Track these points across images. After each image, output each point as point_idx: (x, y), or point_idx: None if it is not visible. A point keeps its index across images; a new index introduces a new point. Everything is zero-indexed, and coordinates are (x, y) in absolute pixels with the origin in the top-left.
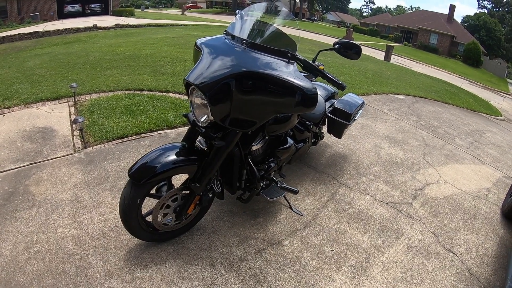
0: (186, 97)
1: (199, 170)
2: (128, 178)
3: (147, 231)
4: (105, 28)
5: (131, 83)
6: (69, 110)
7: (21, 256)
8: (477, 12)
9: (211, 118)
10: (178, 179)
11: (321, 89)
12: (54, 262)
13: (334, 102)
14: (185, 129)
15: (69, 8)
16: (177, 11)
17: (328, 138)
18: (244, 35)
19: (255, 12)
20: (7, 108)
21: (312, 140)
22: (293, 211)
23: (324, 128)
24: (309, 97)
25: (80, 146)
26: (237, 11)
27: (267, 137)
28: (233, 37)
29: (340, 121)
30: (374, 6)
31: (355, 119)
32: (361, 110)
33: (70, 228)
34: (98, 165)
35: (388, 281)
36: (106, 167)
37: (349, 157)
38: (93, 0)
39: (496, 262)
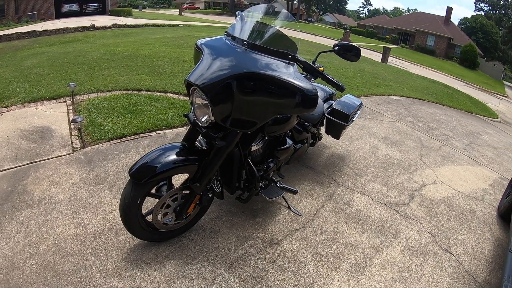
0: (185, 98)
1: (199, 170)
2: (129, 178)
3: (147, 230)
4: (102, 28)
5: (129, 83)
6: (67, 109)
7: (20, 255)
8: (474, 14)
9: (212, 118)
10: (177, 179)
11: (320, 90)
12: (53, 262)
13: (332, 103)
14: (183, 129)
15: (66, 7)
16: (174, 12)
17: (326, 139)
18: (245, 36)
19: (256, 14)
20: (5, 107)
21: (311, 141)
22: (292, 211)
23: (322, 129)
24: (310, 98)
25: (79, 146)
26: (237, 13)
27: (266, 138)
28: (234, 38)
29: (338, 122)
30: (372, 8)
31: (353, 120)
32: (359, 112)
33: (69, 227)
34: (97, 165)
35: (386, 281)
36: (104, 166)
37: (347, 158)
38: (91, 0)
39: (493, 262)
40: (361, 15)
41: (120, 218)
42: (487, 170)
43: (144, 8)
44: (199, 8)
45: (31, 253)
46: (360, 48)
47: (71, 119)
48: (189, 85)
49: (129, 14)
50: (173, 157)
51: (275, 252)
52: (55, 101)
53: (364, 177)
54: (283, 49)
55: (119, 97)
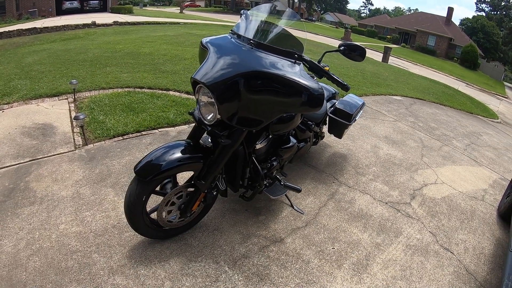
0: (186, 96)
1: (204, 167)
2: (133, 175)
3: (151, 228)
4: (103, 25)
5: (131, 81)
6: (69, 106)
7: (23, 253)
8: (475, 15)
9: (218, 116)
10: (181, 177)
11: (323, 89)
12: (56, 259)
13: (335, 103)
14: (185, 127)
15: (67, 4)
16: (175, 9)
17: (328, 138)
18: (251, 35)
19: (261, 13)
20: (6, 104)
21: (313, 140)
22: (295, 210)
23: (325, 128)
24: (316, 98)
25: (81, 143)
26: (242, 11)
27: (270, 136)
28: (239, 36)
29: (341, 121)
30: (372, 7)
31: (355, 120)
32: (361, 111)
33: (73, 225)
34: (99, 162)
35: (388, 279)
36: (107, 164)
37: (349, 157)
38: None
39: (493, 262)
40: (362, 15)
41: (124, 216)
42: (487, 171)
43: (145, 5)
44: (199, 6)
45: (34, 250)
46: (365, 48)
47: (73, 116)
48: (195, 83)
49: (130, 12)
50: (178, 155)
51: (278, 250)
52: (56, 98)
53: (365, 176)
54: (289, 48)
55: (121, 95)
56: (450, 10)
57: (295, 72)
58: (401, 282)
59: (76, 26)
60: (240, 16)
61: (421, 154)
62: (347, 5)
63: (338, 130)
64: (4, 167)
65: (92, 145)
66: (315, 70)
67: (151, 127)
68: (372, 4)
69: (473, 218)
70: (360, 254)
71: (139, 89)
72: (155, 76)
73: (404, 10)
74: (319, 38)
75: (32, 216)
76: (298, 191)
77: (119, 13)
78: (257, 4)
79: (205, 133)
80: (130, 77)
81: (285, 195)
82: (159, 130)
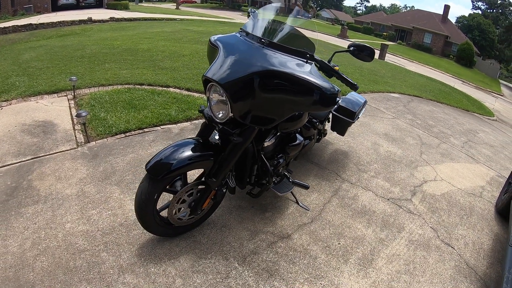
0: (187, 93)
1: (215, 165)
2: (142, 173)
3: (161, 225)
4: (100, 21)
5: (131, 77)
6: (69, 103)
7: (29, 252)
8: (471, 12)
9: (230, 114)
10: (190, 174)
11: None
12: (64, 259)
13: (338, 101)
14: (188, 124)
15: (63, 0)
16: (171, 5)
17: (329, 135)
18: (261, 34)
19: (270, 12)
20: (5, 101)
21: (317, 137)
22: (300, 206)
23: (327, 126)
24: (329, 97)
25: (83, 141)
26: (250, 10)
27: (278, 134)
28: (248, 34)
29: (345, 119)
30: (369, 4)
31: (358, 117)
32: (363, 109)
33: (79, 223)
34: (103, 160)
35: (392, 273)
36: (111, 161)
37: (350, 154)
38: None
39: (492, 256)
40: (358, 11)
41: (131, 214)
42: (485, 168)
43: (140, 1)
44: (195, 2)
45: (41, 250)
46: (374, 50)
47: (75, 113)
48: (206, 81)
49: (126, 8)
50: (189, 153)
51: (286, 246)
52: (55, 95)
53: (367, 173)
54: (301, 48)
55: (121, 91)
56: (447, 8)
57: (309, 72)
58: (405, 276)
59: (72, 22)
60: (248, 16)
61: (420, 151)
62: (343, 2)
63: (341, 127)
64: (5, 166)
65: (94, 142)
66: (326, 69)
67: (153, 124)
68: (368, 1)
69: (472, 214)
70: (365, 249)
71: (139, 86)
72: (155, 73)
73: (400, 7)
74: (315, 35)
75: (37, 215)
76: (306, 187)
77: (115, 9)
78: (269, 4)
79: (217, 131)
80: (130, 73)
81: (291, 192)
82: (161, 127)
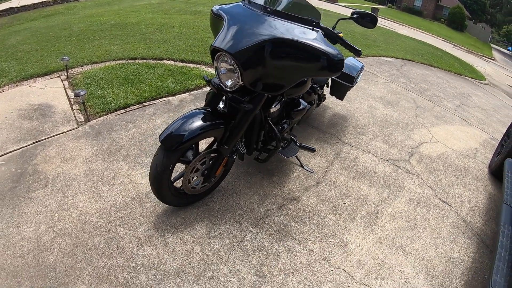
0: (182, 64)
1: (226, 132)
2: (159, 146)
3: (176, 196)
4: None
5: (123, 53)
6: (63, 84)
7: (45, 236)
8: None
9: (241, 82)
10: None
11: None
12: (82, 238)
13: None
14: (186, 95)
15: None
16: None
17: (326, 100)
18: (265, 3)
19: None
20: None
21: (317, 102)
22: (305, 169)
23: (326, 91)
24: (337, 63)
25: (83, 120)
26: None
27: (283, 99)
28: (250, 2)
29: (344, 83)
30: None
31: (357, 82)
32: (361, 73)
33: (91, 201)
34: (106, 137)
35: (396, 229)
36: (114, 138)
37: (348, 118)
38: None
39: (487, 214)
40: None
41: (149, 187)
42: (478, 131)
43: None
44: None
45: (57, 232)
46: (376, 16)
47: (74, 92)
48: (214, 51)
49: None
50: (200, 122)
51: (295, 207)
52: (48, 77)
53: (366, 136)
54: (306, 16)
55: (115, 67)
56: None
57: (316, 39)
58: (408, 232)
59: (55, 2)
60: None
61: (415, 114)
62: None
63: (340, 92)
64: (7, 153)
65: (95, 120)
66: (331, 36)
67: (152, 97)
68: None
69: (467, 175)
70: (369, 208)
71: (132, 61)
72: (147, 46)
73: None
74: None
75: (48, 199)
76: (313, 150)
77: None
78: None
79: (227, 99)
80: (121, 49)
81: (295, 156)
82: (160, 100)
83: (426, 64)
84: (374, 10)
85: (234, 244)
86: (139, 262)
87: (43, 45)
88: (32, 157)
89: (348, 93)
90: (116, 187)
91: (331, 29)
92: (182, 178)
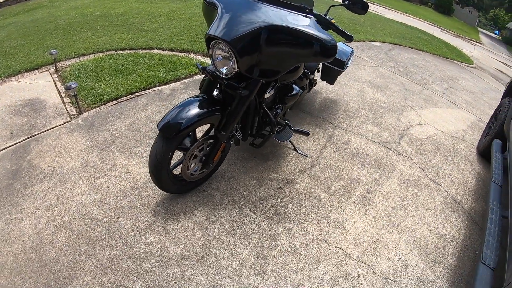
0: (171, 53)
1: (223, 119)
2: (157, 134)
3: (175, 183)
4: None
5: (111, 44)
6: (52, 78)
7: (46, 231)
8: None
9: (237, 69)
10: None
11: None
12: (83, 230)
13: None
14: (178, 84)
15: None
16: None
17: (317, 85)
18: None
19: None
20: None
21: (308, 87)
22: (299, 153)
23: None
24: (330, 48)
25: (75, 113)
26: None
27: (277, 85)
28: None
29: (335, 68)
30: None
31: (347, 66)
32: (351, 58)
33: (90, 193)
34: (100, 129)
35: (389, 209)
36: (109, 129)
37: (339, 102)
38: None
39: (476, 193)
40: None
41: (148, 175)
42: (466, 113)
43: None
44: None
45: (57, 226)
46: (367, 3)
47: (65, 85)
48: (209, 39)
49: None
50: (197, 109)
51: (291, 190)
52: (36, 71)
53: (357, 119)
54: (299, 3)
55: (104, 59)
56: None
57: (309, 25)
58: (401, 211)
59: None
60: None
61: (404, 97)
62: None
63: (331, 77)
64: (0, 150)
65: (87, 113)
66: (323, 22)
67: (143, 87)
68: None
69: (456, 155)
70: (363, 189)
71: (121, 51)
72: (135, 36)
73: None
74: None
75: (46, 193)
76: (307, 134)
77: None
78: None
79: (223, 86)
80: (109, 40)
81: (289, 140)
82: (152, 89)
83: (414, 48)
84: None
85: (234, 228)
86: (142, 250)
87: (29, 39)
88: (27, 152)
89: (338, 78)
90: (114, 177)
91: (323, 15)
92: (180, 166)
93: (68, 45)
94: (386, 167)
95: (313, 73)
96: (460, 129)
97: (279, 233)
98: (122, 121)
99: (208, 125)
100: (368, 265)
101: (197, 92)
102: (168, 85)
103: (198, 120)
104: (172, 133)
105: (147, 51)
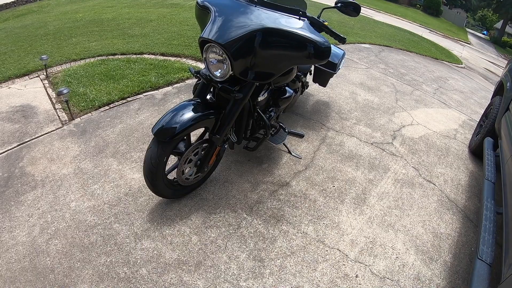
0: (162, 57)
1: (217, 122)
2: (152, 139)
3: (170, 188)
4: None
5: (101, 49)
6: (43, 84)
7: (40, 239)
8: None
9: (231, 72)
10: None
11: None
12: (78, 237)
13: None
14: (170, 89)
15: None
16: None
17: (309, 87)
18: None
19: None
20: None
21: (301, 89)
22: (293, 156)
23: (308, 78)
24: (324, 50)
25: (67, 119)
26: None
27: (270, 88)
28: None
29: (327, 70)
30: None
31: (339, 69)
32: (343, 60)
33: (84, 200)
34: (93, 134)
35: (384, 209)
36: (101, 135)
37: (331, 104)
38: None
39: (469, 191)
40: None
41: (143, 181)
42: (456, 112)
43: None
44: None
45: (51, 234)
46: (360, 5)
47: (57, 91)
48: (203, 42)
49: None
50: (191, 113)
51: (286, 192)
52: (27, 77)
53: (349, 121)
54: (292, 6)
55: (95, 64)
56: None
57: (303, 28)
58: (396, 210)
59: (27, 1)
60: None
61: (395, 98)
62: None
63: (323, 79)
64: None
65: (79, 118)
66: (316, 25)
67: (135, 92)
68: None
69: (448, 154)
70: (358, 190)
71: (112, 56)
72: (125, 41)
73: None
74: None
75: (38, 201)
76: (301, 136)
77: None
78: None
79: (217, 89)
80: (100, 45)
81: (283, 143)
82: (144, 94)
83: (404, 50)
84: None
85: (231, 231)
86: (138, 257)
87: (19, 45)
88: (18, 159)
89: (330, 80)
90: (108, 183)
91: (316, 18)
92: (175, 170)
93: (59, 51)
94: (380, 167)
95: (305, 75)
96: (451, 129)
97: (276, 236)
98: (115, 127)
99: (203, 129)
100: (366, 265)
101: (189, 96)
102: (160, 89)
103: (192, 124)
104: (166, 137)
105: (138, 56)
